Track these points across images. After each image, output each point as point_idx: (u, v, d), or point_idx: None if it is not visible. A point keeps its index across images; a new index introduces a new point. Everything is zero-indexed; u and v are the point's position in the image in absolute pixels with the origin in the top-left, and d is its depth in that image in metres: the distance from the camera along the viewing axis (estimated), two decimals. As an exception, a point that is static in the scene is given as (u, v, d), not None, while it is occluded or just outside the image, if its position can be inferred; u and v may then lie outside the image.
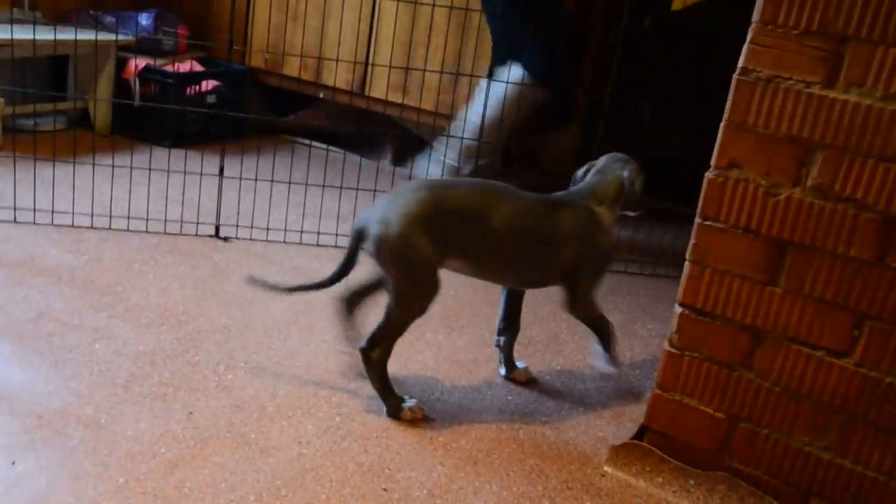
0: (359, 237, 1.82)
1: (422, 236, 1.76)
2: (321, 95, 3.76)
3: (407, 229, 1.75)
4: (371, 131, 3.97)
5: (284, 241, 2.75)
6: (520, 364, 2.11)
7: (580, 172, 2.07)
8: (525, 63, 3.05)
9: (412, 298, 1.81)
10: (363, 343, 1.84)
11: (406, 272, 1.79)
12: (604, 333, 1.99)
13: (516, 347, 2.18)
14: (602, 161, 2.04)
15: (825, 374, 1.56)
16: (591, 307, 1.95)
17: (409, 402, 1.86)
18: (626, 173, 1.97)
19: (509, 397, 2.01)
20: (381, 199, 1.83)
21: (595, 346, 2.04)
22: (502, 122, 3.00)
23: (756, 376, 1.62)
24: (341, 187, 3.02)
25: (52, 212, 2.64)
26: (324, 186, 3.02)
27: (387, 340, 1.83)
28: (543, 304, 2.57)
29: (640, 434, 1.78)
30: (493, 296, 2.57)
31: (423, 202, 1.77)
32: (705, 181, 1.61)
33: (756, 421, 1.64)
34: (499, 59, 3.11)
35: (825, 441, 1.58)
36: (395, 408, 1.85)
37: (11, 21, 3.07)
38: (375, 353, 1.83)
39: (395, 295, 1.81)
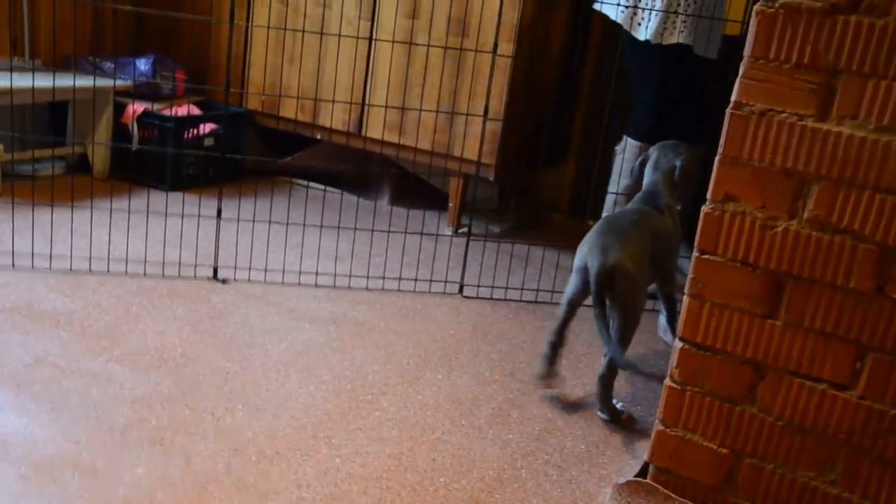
0: (587, 272, 2.07)
1: (645, 262, 2.10)
2: (318, 136, 3.78)
3: (640, 260, 2.08)
4: (368, 171, 3.99)
5: (283, 282, 2.74)
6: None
7: (636, 167, 2.41)
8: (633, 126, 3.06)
9: (638, 315, 2.10)
10: (603, 371, 2.09)
11: (638, 295, 2.08)
12: (676, 309, 2.28)
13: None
14: (654, 154, 2.37)
15: (828, 408, 1.54)
16: (675, 285, 2.28)
17: (620, 405, 2.16)
18: (678, 162, 2.31)
19: (510, 436, 1.99)
20: (602, 242, 2.07)
21: (662, 320, 2.48)
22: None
23: (759, 410, 1.61)
24: (339, 227, 3.02)
25: (50, 256, 2.64)
26: (321, 227, 3.03)
27: (619, 363, 2.08)
28: (543, 341, 2.55)
29: (644, 471, 1.76)
30: (490, 333, 2.56)
31: (642, 234, 2.11)
32: (702, 215, 1.61)
33: (760, 456, 1.62)
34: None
35: (831, 475, 1.56)
36: (615, 414, 2.12)
37: (11, 69, 3.10)
38: (614, 374, 2.10)
39: (628, 316, 2.06)
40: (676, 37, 2.84)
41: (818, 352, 1.53)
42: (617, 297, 2.05)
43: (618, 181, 3.03)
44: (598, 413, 2.16)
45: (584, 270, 2.09)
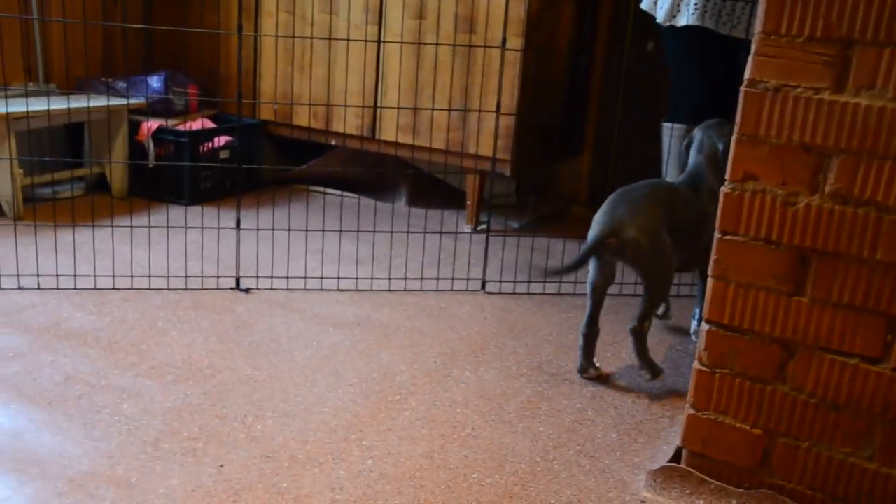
0: (604, 242, 2.11)
1: (664, 232, 2.13)
2: (332, 142, 3.80)
3: (659, 229, 2.12)
4: (384, 174, 3.99)
5: (305, 289, 2.75)
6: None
7: (681, 151, 2.45)
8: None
9: (667, 279, 2.17)
10: (634, 323, 2.18)
11: (662, 262, 2.14)
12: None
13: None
14: (698, 135, 2.39)
15: (861, 382, 1.52)
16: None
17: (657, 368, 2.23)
18: (720, 145, 2.31)
19: (541, 428, 1.98)
20: (616, 208, 2.13)
21: (694, 323, 2.57)
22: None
23: (791, 389, 1.59)
24: (358, 231, 3.03)
25: (75, 276, 2.67)
26: (341, 231, 3.04)
27: (650, 315, 2.18)
28: (569, 333, 2.55)
29: (677, 456, 1.75)
30: (516, 328, 2.56)
31: (657, 204, 2.14)
32: (721, 195, 1.60)
33: (795, 435, 1.60)
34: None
35: (868, 451, 1.54)
36: (654, 371, 2.20)
37: (27, 94, 3.13)
38: (646, 325, 2.18)
39: (651, 282, 2.14)
40: (686, 19, 2.82)
41: (848, 326, 1.52)
42: (634, 263, 2.12)
43: (665, 169, 3.01)
44: (641, 373, 2.23)
45: (591, 249, 2.12)
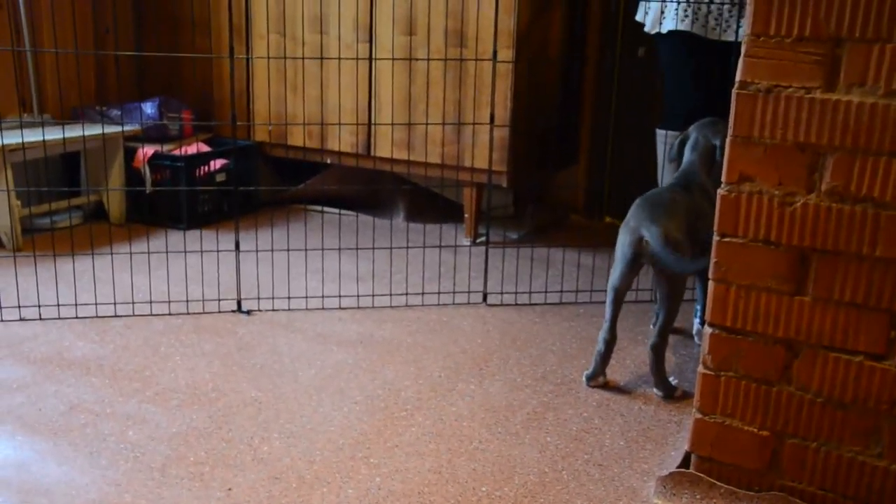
0: (638, 244, 2.11)
1: (687, 236, 2.13)
2: (328, 161, 3.80)
3: (684, 234, 2.12)
4: (380, 190, 4.00)
5: (307, 308, 2.75)
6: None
7: (675, 146, 2.44)
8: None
9: (683, 289, 2.18)
10: (655, 339, 2.17)
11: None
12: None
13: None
14: (693, 133, 2.38)
15: (867, 380, 1.52)
16: None
17: (674, 381, 2.25)
18: (716, 142, 2.33)
19: (548, 438, 1.98)
20: (647, 211, 2.12)
21: (696, 324, 2.54)
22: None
23: (797, 389, 1.59)
24: (357, 248, 3.03)
25: (76, 305, 2.66)
26: (340, 250, 3.04)
27: (670, 328, 2.18)
28: (572, 342, 2.54)
29: (686, 461, 1.74)
30: (519, 339, 2.56)
31: (681, 208, 2.16)
32: (718, 198, 1.60)
33: (803, 435, 1.60)
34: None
35: (877, 448, 1.54)
36: (668, 391, 2.20)
37: (21, 125, 3.14)
38: (665, 342, 2.17)
39: (675, 290, 2.15)
40: (670, 24, 2.84)
41: (851, 324, 1.52)
42: (664, 268, 2.11)
43: (661, 175, 3.01)
44: (654, 390, 2.21)
45: (632, 248, 2.12)
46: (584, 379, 2.27)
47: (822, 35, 1.45)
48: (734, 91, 1.55)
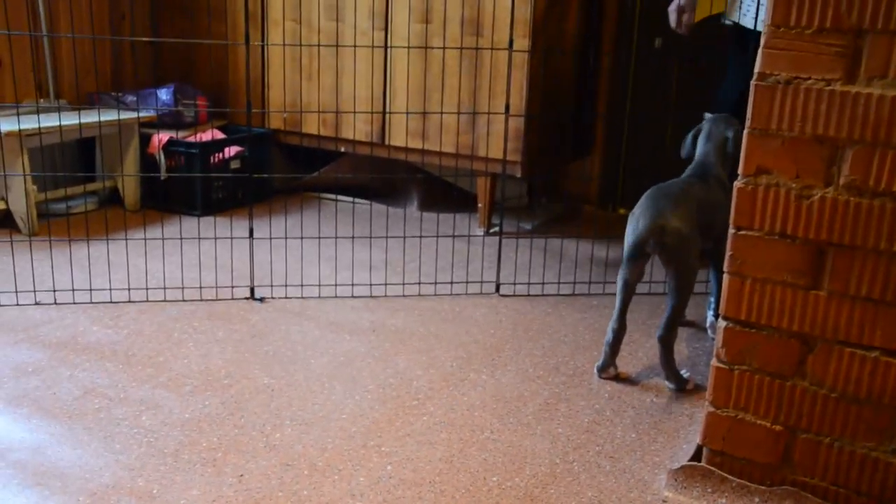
0: (647, 239, 2.10)
1: (695, 227, 2.13)
2: (342, 149, 3.80)
3: (695, 225, 2.12)
4: (394, 179, 3.99)
5: (319, 297, 2.75)
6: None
7: (688, 140, 2.44)
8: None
9: (692, 281, 2.16)
10: (662, 331, 2.15)
11: (692, 256, 2.12)
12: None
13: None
14: (706, 126, 2.40)
15: (882, 375, 1.51)
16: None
17: (686, 374, 2.23)
18: (729, 133, 2.35)
19: (560, 430, 1.98)
20: (656, 202, 2.12)
21: (710, 316, 2.54)
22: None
23: (811, 384, 1.58)
24: (370, 237, 3.03)
25: (90, 290, 2.68)
26: (353, 238, 3.04)
27: (679, 320, 2.17)
28: (585, 333, 2.54)
29: (698, 454, 1.74)
30: (531, 330, 2.55)
31: (690, 200, 2.15)
32: (735, 190, 1.59)
33: (816, 430, 1.59)
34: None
35: (892, 444, 1.53)
36: (680, 383, 2.19)
37: (38, 110, 3.16)
38: (674, 332, 2.16)
39: (683, 282, 2.13)
40: (738, 18, 2.83)
41: (867, 319, 1.50)
42: (671, 257, 2.11)
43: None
44: (666, 383, 2.21)
45: (638, 239, 2.12)
46: (595, 370, 2.27)
47: (843, 26, 1.43)
48: (753, 82, 1.53)
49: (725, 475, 1.69)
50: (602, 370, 2.25)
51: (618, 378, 2.26)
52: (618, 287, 2.20)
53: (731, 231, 1.60)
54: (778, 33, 1.49)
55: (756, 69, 1.53)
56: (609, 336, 2.23)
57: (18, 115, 2.96)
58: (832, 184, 1.50)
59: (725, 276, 1.63)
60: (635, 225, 2.14)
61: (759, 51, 1.52)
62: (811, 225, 1.52)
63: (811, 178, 1.51)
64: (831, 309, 1.53)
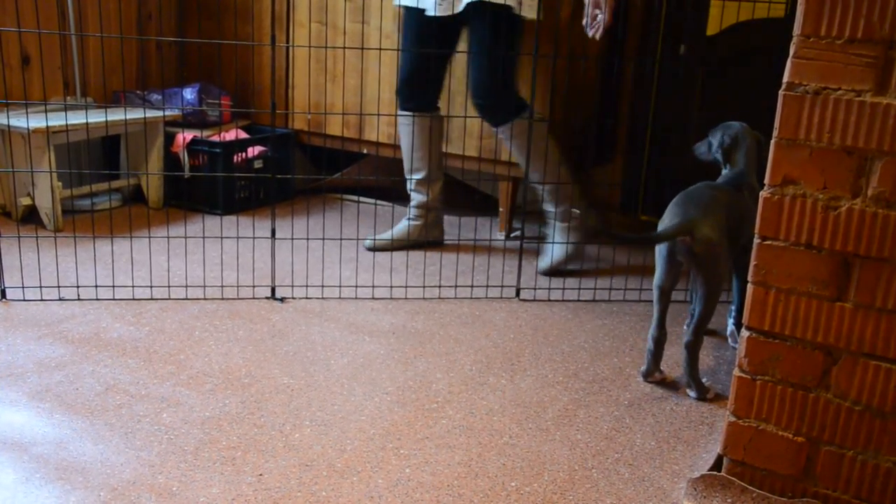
0: (676, 239, 2.09)
1: (725, 234, 2.12)
2: (365, 151, 3.81)
3: (724, 232, 2.11)
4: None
5: (340, 297, 2.76)
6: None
7: (702, 148, 2.42)
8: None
9: (721, 285, 2.14)
10: (689, 337, 2.15)
11: (721, 264, 2.11)
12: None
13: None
14: (736, 134, 2.36)
15: (908, 389, 1.50)
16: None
17: (706, 382, 2.25)
18: (746, 142, 2.33)
19: (579, 436, 1.97)
20: (686, 208, 2.11)
21: (731, 324, 2.52)
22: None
23: (834, 396, 1.57)
24: (392, 239, 3.04)
25: (113, 286, 2.70)
26: (374, 240, 3.05)
27: (705, 326, 2.16)
28: (605, 339, 2.53)
29: (718, 464, 1.73)
30: (551, 335, 2.55)
31: (722, 207, 2.13)
32: (760, 200, 1.58)
33: (840, 443, 1.58)
34: None
35: (915, 459, 1.51)
36: (702, 391, 2.18)
37: (66, 108, 3.19)
38: (699, 341, 2.16)
39: (711, 290, 2.12)
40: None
41: (893, 332, 1.49)
42: (700, 265, 2.09)
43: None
44: (687, 390, 2.20)
45: (668, 245, 2.12)
46: (639, 375, 2.28)
47: (874, 37, 1.42)
48: (781, 92, 1.52)
49: (746, 486, 1.68)
50: (647, 375, 2.27)
51: (664, 382, 2.27)
52: (654, 296, 2.20)
53: (757, 240, 1.60)
54: (808, 43, 1.48)
55: (784, 78, 1.52)
56: (650, 345, 2.23)
57: (46, 112, 3.00)
58: (860, 195, 1.48)
59: (749, 286, 1.62)
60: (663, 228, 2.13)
61: (788, 60, 1.51)
62: (838, 236, 1.51)
63: (839, 189, 1.50)
64: (857, 321, 1.52)
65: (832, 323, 1.54)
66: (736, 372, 1.67)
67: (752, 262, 1.60)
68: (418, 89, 3.11)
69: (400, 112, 3.18)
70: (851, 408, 1.55)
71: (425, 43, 3.03)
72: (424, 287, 2.88)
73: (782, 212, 1.56)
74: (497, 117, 3.02)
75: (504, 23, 2.92)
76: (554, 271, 3.04)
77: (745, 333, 1.64)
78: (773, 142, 1.55)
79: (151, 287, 2.72)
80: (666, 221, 2.13)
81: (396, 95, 3.18)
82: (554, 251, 3.04)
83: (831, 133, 1.49)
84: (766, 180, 1.57)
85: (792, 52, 1.50)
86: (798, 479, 1.63)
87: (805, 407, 1.60)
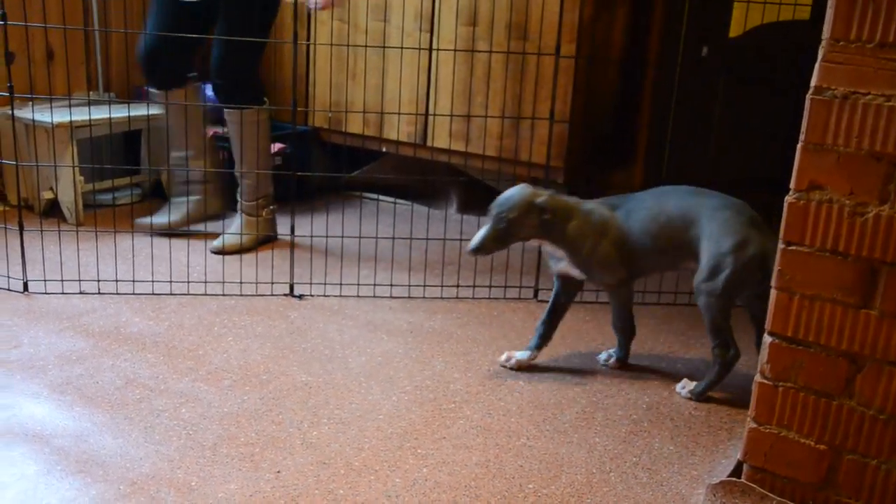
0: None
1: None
2: (384, 149, 3.81)
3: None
4: (436, 181, 3.99)
5: (358, 296, 2.76)
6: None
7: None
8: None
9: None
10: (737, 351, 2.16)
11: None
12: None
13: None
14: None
15: (933, 398, 1.48)
16: None
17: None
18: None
19: (597, 439, 1.96)
20: (747, 229, 2.11)
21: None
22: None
23: (858, 404, 1.55)
24: (410, 238, 3.04)
25: (133, 281, 2.72)
26: (393, 239, 3.05)
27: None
28: (623, 343, 2.52)
29: (738, 470, 1.72)
30: (569, 336, 2.54)
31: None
32: (786, 205, 1.57)
33: (862, 451, 1.56)
34: None
35: (939, 469, 1.50)
36: (703, 396, 2.19)
37: (89, 103, 3.20)
38: (737, 354, 2.17)
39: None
40: None
41: (919, 340, 1.47)
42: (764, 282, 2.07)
43: None
44: (692, 385, 2.21)
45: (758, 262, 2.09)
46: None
47: (904, 42, 1.40)
48: (809, 96, 1.51)
49: (766, 493, 1.66)
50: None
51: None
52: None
53: (781, 246, 1.58)
54: (837, 47, 1.46)
55: (812, 82, 1.50)
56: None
57: (70, 106, 3.01)
58: (888, 201, 1.47)
59: (773, 291, 1.60)
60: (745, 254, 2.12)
61: (816, 64, 1.49)
62: (864, 243, 1.49)
63: (866, 195, 1.48)
64: (882, 329, 1.50)
65: (857, 330, 1.53)
66: (757, 378, 1.65)
67: (777, 268, 1.59)
68: (164, 65, 3.07)
69: (149, 87, 3.16)
70: (876, 416, 1.54)
71: (174, 18, 2.98)
72: (442, 287, 2.87)
73: (808, 217, 1.54)
74: (232, 100, 3.06)
75: (257, 4, 2.93)
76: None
77: (767, 339, 1.63)
78: (799, 146, 1.53)
79: (171, 282, 2.74)
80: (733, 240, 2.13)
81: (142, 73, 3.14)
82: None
83: (859, 138, 1.47)
84: (792, 185, 1.55)
85: (820, 55, 1.49)
86: (819, 487, 1.62)
87: (828, 415, 1.58)
